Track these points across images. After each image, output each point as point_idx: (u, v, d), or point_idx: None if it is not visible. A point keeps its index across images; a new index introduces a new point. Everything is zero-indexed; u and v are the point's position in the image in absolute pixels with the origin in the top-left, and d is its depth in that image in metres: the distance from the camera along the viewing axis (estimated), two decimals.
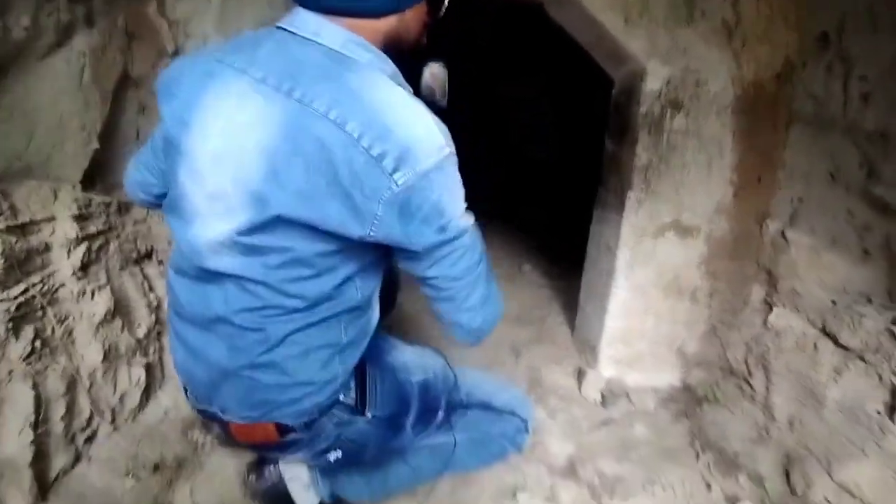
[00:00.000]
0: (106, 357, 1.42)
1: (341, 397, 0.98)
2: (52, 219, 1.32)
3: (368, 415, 1.02)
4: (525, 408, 1.27)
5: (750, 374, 1.82)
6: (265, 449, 1.14)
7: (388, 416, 1.05)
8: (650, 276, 1.98)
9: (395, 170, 0.73)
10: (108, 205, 1.55)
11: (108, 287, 1.49)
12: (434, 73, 1.02)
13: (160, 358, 1.68)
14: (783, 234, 1.74)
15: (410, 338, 1.43)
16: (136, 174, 1.08)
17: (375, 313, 1.03)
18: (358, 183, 0.74)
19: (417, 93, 0.93)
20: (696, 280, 1.98)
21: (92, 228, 1.46)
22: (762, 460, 1.57)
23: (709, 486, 1.52)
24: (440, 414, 1.12)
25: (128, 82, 1.62)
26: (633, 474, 1.57)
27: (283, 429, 0.97)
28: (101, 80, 1.45)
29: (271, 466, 1.25)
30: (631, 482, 1.54)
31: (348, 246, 0.84)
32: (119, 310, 1.52)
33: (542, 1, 1.94)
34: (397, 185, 0.74)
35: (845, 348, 1.49)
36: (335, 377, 0.95)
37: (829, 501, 1.37)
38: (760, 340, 1.80)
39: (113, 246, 1.56)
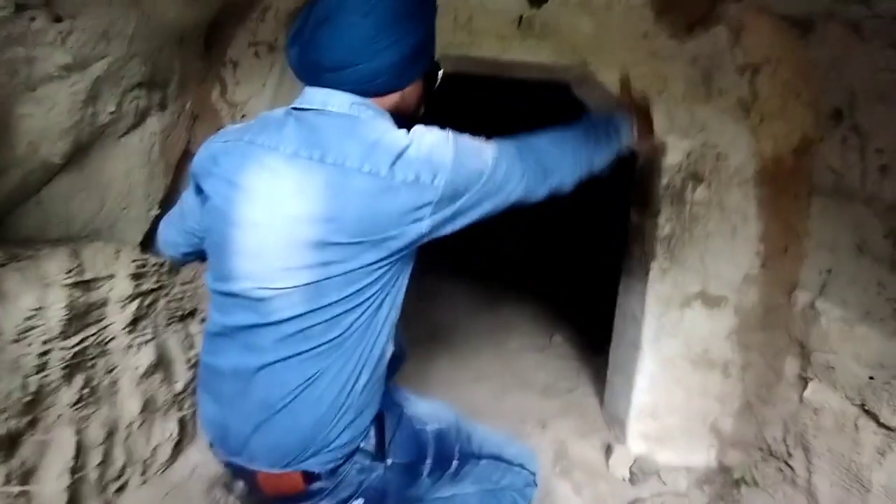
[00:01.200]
0: (144, 409, 1.51)
1: (362, 444, 1.03)
2: (111, 276, 1.47)
3: (388, 461, 1.07)
4: (533, 462, 1.28)
5: (790, 455, 1.72)
6: (290, 500, 1.17)
7: (405, 464, 1.10)
8: (678, 348, 1.95)
9: (433, 179, 0.89)
10: (161, 265, 1.69)
11: (153, 342, 1.60)
12: None
13: (193, 413, 1.75)
14: (813, 306, 1.71)
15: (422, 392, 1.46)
16: (167, 235, 1.20)
17: (389, 353, 1.09)
18: (413, 200, 0.89)
19: None
20: (726, 352, 1.94)
21: (145, 286, 1.60)
22: None
23: None
24: (454, 462, 1.16)
25: (187, 156, 1.82)
26: None
27: (309, 477, 1.01)
28: (167, 155, 1.65)
29: None
30: None
31: (389, 268, 0.95)
32: (161, 364, 1.62)
33: (568, 80, 2.09)
34: (440, 184, 0.89)
35: (888, 428, 1.41)
36: (359, 416, 1.01)
37: None
38: (798, 418, 1.71)
39: (162, 303, 1.69)
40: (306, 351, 0.95)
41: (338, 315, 0.94)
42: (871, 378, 1.50)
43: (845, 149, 1.57)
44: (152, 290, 1.64)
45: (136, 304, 1.54)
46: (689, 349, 1.95)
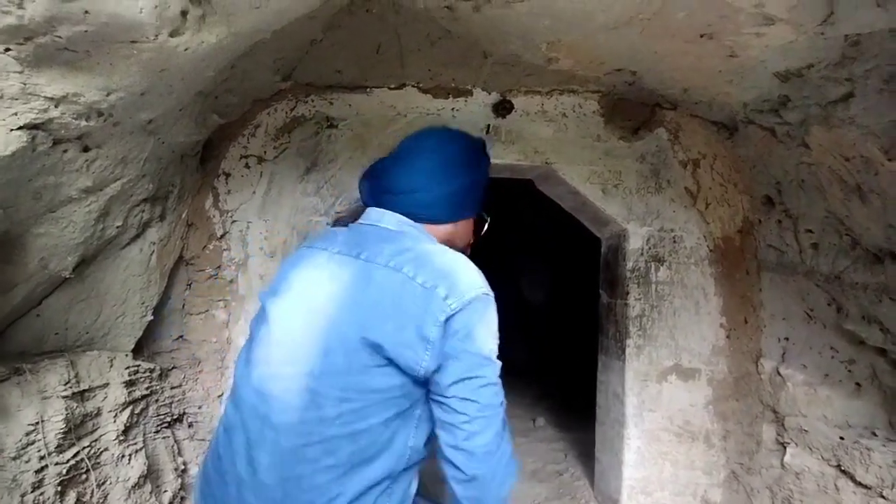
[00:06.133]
0: None
1: None
2: (106, 385, 1.47)
3: None
4: None
5: None
6: None
7: None
8: (661, 421, 2.02)
9: (447, 297, 0.91)
10: (151, 370, 1.70)
11: (143, 451, 1.57)
12: None
13: None
14: (778, 372, 1.84)
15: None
16: None
17: (406, 487, 1.01)
18: (421, 308, 0.91)
19: None
20: (706, 422, 2.02)
21: (137, 393, 1.60)
22: None
23: None
24: None
25: (181, 262, 1.89)
26: None
27: None
28: (163, 262, 1.72)
29: None
30: None
31: (403, 385, 0.93)
32: (150, 474, 1.58)
33: (533, 178, 2.31)
34: (451, 308, 0.91)
35: (865, 486, 1.50)
36: None
37: None
38: (782, 484, 1.78)
39: (152, 410, 1.68)
40: (304, 446, 0.92)
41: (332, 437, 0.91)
42: (842, 438, 1.61)
43: (781, 229, 1.78)
44: (143, 397, 1.63)
45: (128, 412, 1.53)
46: (672, 422, 2.02)
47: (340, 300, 0.95)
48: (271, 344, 0.99)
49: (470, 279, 0.97)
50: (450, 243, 1.11)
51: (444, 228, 1.11)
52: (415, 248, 0.99)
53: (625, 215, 2.09)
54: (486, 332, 0.96)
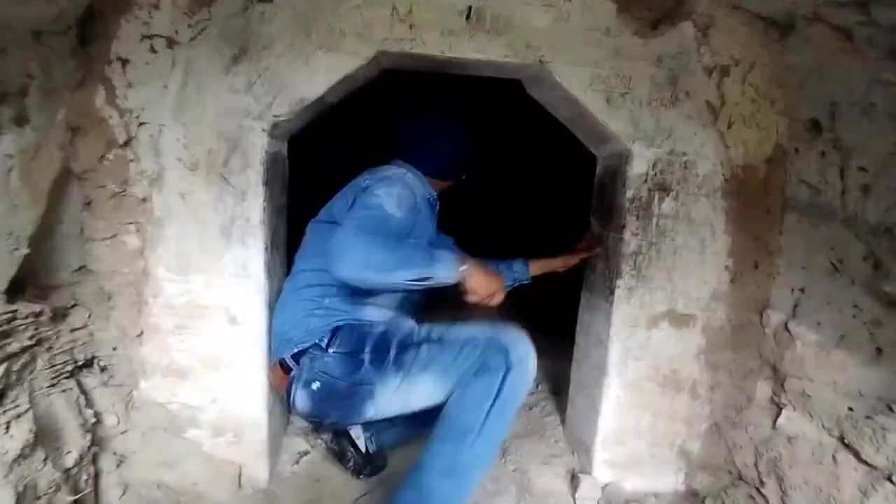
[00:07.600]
0: (19, 502, 1.21)
1: (318, 340, 1.52)
2: None
3: (330, 350, 1.51)
4: (509, 347, 1.43)
5: (762, 482, 1.63)
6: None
7: (346, 352, 1.49)
8: (645, 371, 1.82)
9: (373, 183, 1.55)
10: (38, 314, 1.37)
11: (29, 414, 1.29)
12: None
13: (95, 489, 1.46)
14: (786, 327, 1.61)
15: None
16: None
17: (368, 314, 1.60)
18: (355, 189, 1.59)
19: None
20: (694, 373, 1.82)
21: (15, 345, 1.28)
22: None
23: None
24: (392, 351, 1.46)
25: (70, 177, 1.48)
26: None
27: (285, 368, 1.58)
28: (35, 180, 1.31)
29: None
30: None
31: None
32: (42, 439, 1.31)
33: (522, 79, 1.88)
34: (369, 182, 1.58)
35: (870, 466, 1.33)
36: (319, 327, 1.55)
37: None
38: (771, 445, 1.62)
39: (41, 361, 1.37)
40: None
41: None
42: (850, 409, 1.41)
43: (824, 164, 1.44)
44: (27, 348, 1.32)
45: (1, 370, 1.23)
46: (657, 371, 1.82)
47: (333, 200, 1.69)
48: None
49: (394, 178, 1.61)
50: (442, 191, 1.82)
51: (443, 184, 1.79)
52: (388, 170, 1.66)
53: (630, 133, 1.70)
54: (384, 187, 1.54)
